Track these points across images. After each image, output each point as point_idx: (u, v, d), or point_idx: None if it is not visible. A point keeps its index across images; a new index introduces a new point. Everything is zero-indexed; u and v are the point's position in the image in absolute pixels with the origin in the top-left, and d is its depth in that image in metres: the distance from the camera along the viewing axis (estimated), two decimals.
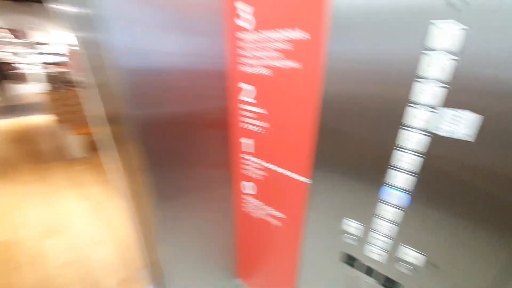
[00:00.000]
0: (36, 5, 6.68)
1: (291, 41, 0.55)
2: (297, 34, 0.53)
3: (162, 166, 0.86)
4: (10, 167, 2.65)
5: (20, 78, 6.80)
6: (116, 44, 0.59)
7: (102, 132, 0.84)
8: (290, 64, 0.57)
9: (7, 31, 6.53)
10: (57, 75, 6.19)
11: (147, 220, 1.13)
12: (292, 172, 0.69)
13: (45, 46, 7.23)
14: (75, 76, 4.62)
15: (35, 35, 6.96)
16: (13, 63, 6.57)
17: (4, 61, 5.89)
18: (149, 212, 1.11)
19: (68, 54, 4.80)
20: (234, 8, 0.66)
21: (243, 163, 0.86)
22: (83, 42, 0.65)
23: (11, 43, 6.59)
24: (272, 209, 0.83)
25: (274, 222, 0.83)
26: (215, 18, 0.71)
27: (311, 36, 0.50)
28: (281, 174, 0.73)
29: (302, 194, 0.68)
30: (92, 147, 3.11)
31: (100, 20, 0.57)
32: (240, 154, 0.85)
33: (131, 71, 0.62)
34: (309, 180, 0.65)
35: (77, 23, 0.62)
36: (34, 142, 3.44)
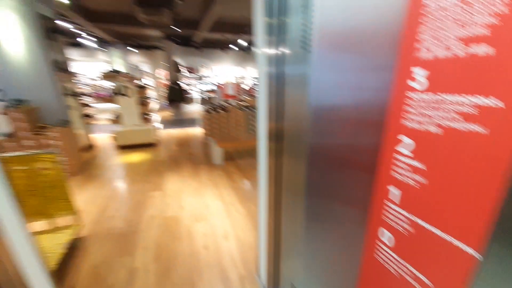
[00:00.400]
0: (206, 50, 9.36)
1: (477, 106, 0.53)
2: (488, 101, 0.51)
3: (307, 189, 1.06)
4: (177, 164, 3.79)
5: (189, 100, 9.61)
6: (311, 81, 0.85)
7: (260, 147, 1.19)
8: (470, 127, 0.55)
9: (186, 68, 9.48)
10: (210, 100, 8.39)
11: (278, 231, 1.33)
12: (453, 238, 0.62)
13: (207, 78, 9.92)
14: (222, 101, 6.05)
15: (202, 71, 9.71)
16: (187, 90, 9.40)
17: (183, 89, 8.58)
18: (281, 225, 1.31)
19: (220, 85, 6.41)
20: (410, 72, 0.72)
21: (385, 210, 0.86)
22: (266, 75, 0.96)
23: (188, 77, 9.54)
24: (412, 268, 0.76)
25: (412, 282, 0.76)
26: (386, 75, 0.86)
27: (506, 106, 0.47)
28: (436, 235, 0.67)
29: (465, 268, 0.60)
30: (227, 158, 3.95)
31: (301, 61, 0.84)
32: (384, 200, 0.85)
33: (316, 102, 0.89)
34: (480, 255, 0.57)
35: (269, 61, 0.97)
36: (191, 147, 4.75)
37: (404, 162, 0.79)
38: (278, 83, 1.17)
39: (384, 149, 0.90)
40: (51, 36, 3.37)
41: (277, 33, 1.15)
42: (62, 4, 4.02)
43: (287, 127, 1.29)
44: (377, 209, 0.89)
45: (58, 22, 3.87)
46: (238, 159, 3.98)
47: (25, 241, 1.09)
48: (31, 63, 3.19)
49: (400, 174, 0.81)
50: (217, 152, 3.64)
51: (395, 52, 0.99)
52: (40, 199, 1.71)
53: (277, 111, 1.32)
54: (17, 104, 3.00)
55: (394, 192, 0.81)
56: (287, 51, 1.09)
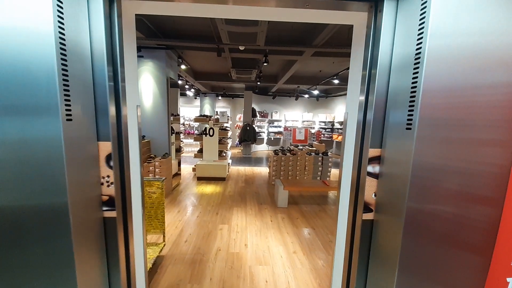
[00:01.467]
0: (279, 97, 10.21)
1: None
2: None
3: (401, 262, 1.04)
4: (243, 200, 4.00)
5: (259, 141, 10.34)
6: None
7: (341, 198, 1.24)
8: None
9: (259, 113, 10.42)
10: (277, 141, 8.83)
11: None
12: None
13: (277, 122, 10.60)
14: (291, 145, 6.26)
15: (273, 115, 10.48)
16: (258, 132, 10.21)
17: (255, 130, 9.38)
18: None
19: (289, 128, 6.76)
20: None
21: None
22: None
23: (260, 120, 10.42)
24: None
25: None
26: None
27: None
28: None
29: None
30: (291, 201, 3.93)
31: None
32: None
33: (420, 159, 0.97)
34: None
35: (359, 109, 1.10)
36: (257, 186, 4.97)
37: None
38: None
39: (503, 231, 0.76)
40: (170, 90, 4.54)
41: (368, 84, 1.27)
42: (183, 69, 5.48)
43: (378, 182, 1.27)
44: None
45: (177, 80, 5.22)
46: (302, 204, 3.88)
47: (142, 252, 1.38)
48: (155, 109, 4.32)
49: None
50: (282, 194, 3.69)
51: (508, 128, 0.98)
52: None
53: (360, 159, 1.34)
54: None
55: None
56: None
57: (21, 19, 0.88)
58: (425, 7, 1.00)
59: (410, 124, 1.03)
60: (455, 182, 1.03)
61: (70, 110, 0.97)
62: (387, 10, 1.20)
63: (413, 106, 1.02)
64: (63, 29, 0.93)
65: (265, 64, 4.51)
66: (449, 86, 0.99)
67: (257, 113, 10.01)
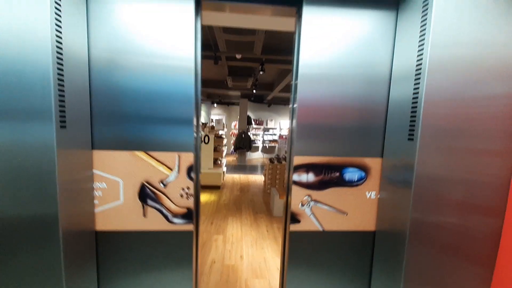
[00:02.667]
0: (274, 105, 10.29)
1: None
2: None
3: (405, 274, 1.01)
4: (238, 209, 3.93)
5: (254, 149, 10.31)
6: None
7: None
8: None
9: (254, 121, 10.44)
10: (272, 149, 8.83)
11: None
12: None
13: (272, 130, 10.63)
14: (286, 153, 6.25)
15: (268, 123, 10.51)
16: (253, 140, 10.20)
17: (251, 138, 9.36)
18: None
19: (284, 136, 6.79)
20: None
21: None
22: None
23: (256, 128, 10.44)
24: None
25: None
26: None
27: None
28: None
29: None
30: None
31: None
32: None
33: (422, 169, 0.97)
34: None
35: None
36: (252, 194, 4.91)
37: None
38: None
39: (505, 241, 0.75)
40: None
41: None
42: None
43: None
44: None
45: None
46: None
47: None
48: None
49: None
50: (277, 203, 3.64)
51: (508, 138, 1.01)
52: None
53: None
54: None
55: None
56: None
57: (19, 23, 0.85)
58: (425, 19, 1.02)
59: (412, 135, 1.03)
60: (457, 192, 1.03)
61: (64, 117, 0.93)
62: (387, 20, 1.22)
63: (414, 116, 1.03)
64: (60, 32, 0.91)
65: (261, 72, 4.55)
66: (450, 96, 1.00)
67: (252, 120, 10.04)
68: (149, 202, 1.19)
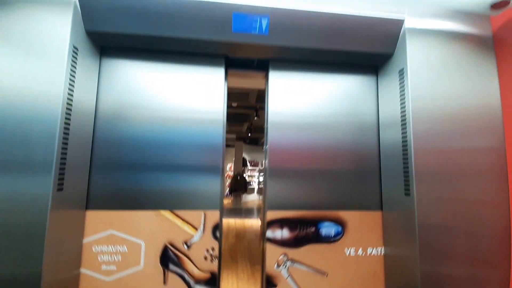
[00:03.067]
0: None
1: None
2: None
3: None
4: (234, 261, 3.65)
5: (249, 190, 10.10)
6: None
7: None
8: None
9: (250, 162, 10.49)
10: None
11: None
12: None
13: None
14: None
15: (263, 164, 10.58)
16: (249, 181, 10.07)
17: (246, 180, 9.24)
18: None
19: None
20: None
21: None
22: None
23: (251, 170, 10.41)
24: None
25: None
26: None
27: None
28: None
29: None
30: None
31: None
32: None
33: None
34: None
35: None
36: (248, 241, 4.62)
37: None
38: None
39: None
40: None
41: None
42: None
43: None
44: None
45: None
46: None
47: None
48: None
49: None
50: None
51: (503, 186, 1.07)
52: None
53: None
54: None
55: None
56: None
57: (36, 83, 0.95)
58: (403, 82, 1.17)
59: (408, 190, 1.06)
60: (461, 241, 1.03)
61: (63, 174, 0.94)
62: (370, 82, 1.39)
63: (407, 170, 1.07)
64: (72, 91, 0.99)
65: (256, 118, 4.78)
66: (437, 141, 1.09)
67: (247, 162, 10.08)
68: (171, 266, 1.12)
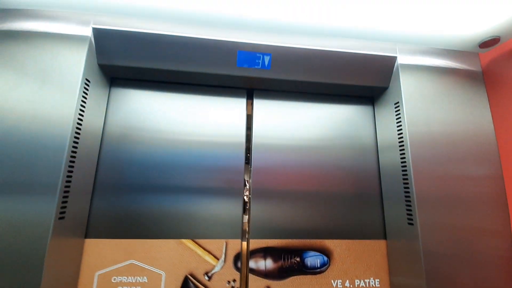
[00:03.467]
0: None
1: None
2: None
3: None
4: None
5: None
6: None
7: None
8: None
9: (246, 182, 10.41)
10: None
11: None
12: None
13: None
14: None
15: None
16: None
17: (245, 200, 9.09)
18: None
19: None
20: None
21: None
22: None
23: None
24: None
25: None
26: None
27: None
28: None
29: None
30: None
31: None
32: None
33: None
34: None
35: None
36: None
37: None
38: None
39: None
40: None
41: None
42: None
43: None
44: None
45: None
46: None
47: None
48: None
49: None
50: None
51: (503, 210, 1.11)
52: None
53: None
54: None
55: None
56: None
57: (47, 106, 1.03)
58: (399, 111, 1.23)
59: (411, 219, 1.07)
60: (465, 271, 1.01)
61: (65, 208, 0.95)
62: (365, 110, 1.46)
63: (409, 198, 1.08)
64: (82, 116, 1.03)
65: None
66: (436, 166, 1.12)
67: (246, 182, 9.96)
68: None
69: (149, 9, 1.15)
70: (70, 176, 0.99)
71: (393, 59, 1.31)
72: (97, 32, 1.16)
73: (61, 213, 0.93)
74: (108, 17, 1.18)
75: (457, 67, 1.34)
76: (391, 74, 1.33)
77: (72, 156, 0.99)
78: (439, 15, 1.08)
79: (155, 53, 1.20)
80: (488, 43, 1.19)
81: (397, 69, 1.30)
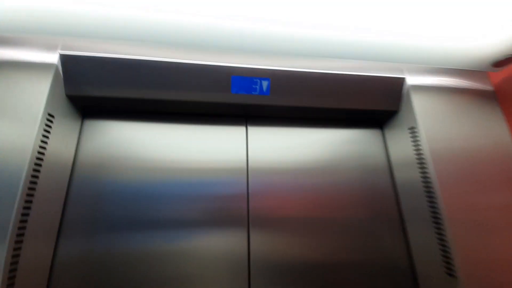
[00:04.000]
0: None
1: None
2: None
3: None
4: None
5: None
6: None
7: None
8: None
9: None
10: None
11: None
12: None
13: None
14: None
15: None
16: None
17: None
18: None
19: None
20: None
21: None
22: None
23: None
24: None
25: None
26: None
27: None
28: None
29: None
30: None
31: None
32: None
33: None
34: None
35: None
36: None
37: None
38: None
39: None
40: None
41: None
42: None
43: None
44: None
45: None
46: None
47: None
48: None
49: None
50: None
51: None
52: None
53: None
54: None
55: None
56: None
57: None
58: (415, 133, 1.13)
59: (451, 269, 0.90)
60: None
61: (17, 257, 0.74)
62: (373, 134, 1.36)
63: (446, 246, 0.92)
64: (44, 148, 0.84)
65: None
66: (464, 185, 0.98)
67: None
68: None
69: (127, 31, 0.98)
70: (27, 215, 0.77)
71: (402, 80, 1.20)
72: (65, 59, 0.99)
73: (12, 263, 0.71)
74: (79, 41, 1.02)
75: (468, 86, 1.24)
76: (401, 96, 1.21)
77: (29, 194, 0.79)
78: (451, 34, 0.99)
79: (134, 81, 1.03)
80: (503, 62, 1.11)
81: (407, 90, 1.19)
